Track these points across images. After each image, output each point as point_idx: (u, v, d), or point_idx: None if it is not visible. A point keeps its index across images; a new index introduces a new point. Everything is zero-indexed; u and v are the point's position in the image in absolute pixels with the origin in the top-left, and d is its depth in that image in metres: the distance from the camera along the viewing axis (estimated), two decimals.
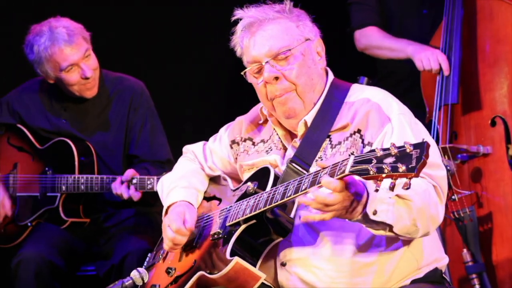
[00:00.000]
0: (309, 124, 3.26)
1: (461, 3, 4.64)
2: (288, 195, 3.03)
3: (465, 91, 4.61)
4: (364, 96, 3.24)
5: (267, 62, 3.22)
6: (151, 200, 4.72)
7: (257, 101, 3.48)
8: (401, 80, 5.02)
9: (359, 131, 3.17)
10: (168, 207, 3.50)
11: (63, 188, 4.75)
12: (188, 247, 3.40)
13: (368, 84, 4.37)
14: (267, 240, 3.17)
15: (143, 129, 4.89)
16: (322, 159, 3.21)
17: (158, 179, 4.52)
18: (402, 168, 2.64)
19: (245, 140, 3.50)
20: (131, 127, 4.89)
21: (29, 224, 4.82)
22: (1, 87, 5.28)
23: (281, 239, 3.18)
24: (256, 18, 3.25)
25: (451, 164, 4.48)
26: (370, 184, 2.90)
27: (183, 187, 3.55)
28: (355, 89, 3.34)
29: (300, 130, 3.28)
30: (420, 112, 4.69)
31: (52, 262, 4.57)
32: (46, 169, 4.85)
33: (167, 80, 5.93)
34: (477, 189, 4.53)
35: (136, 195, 4.61)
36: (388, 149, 2.70)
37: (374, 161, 2.70)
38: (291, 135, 3.37)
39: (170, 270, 3.38)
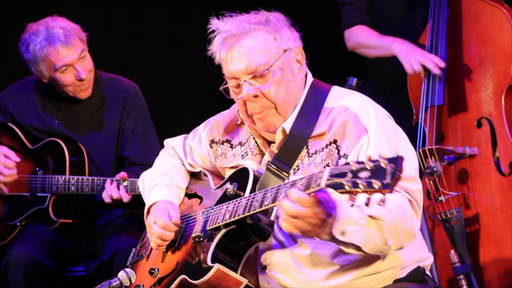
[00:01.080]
0: (287, 131, 3.26)
1: (446, 5, 4.65)
2: (266, 203, 3.04)
3: (451, 92, 4.62)
4: (342, 104, 3.23)
5: (245, 80, 3.19)
6: (141, 202, 4.76)
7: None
8: (390, 82, 5.04)
9: (335, 141, 3.17)
10: (150, 206, 3.52)
11: (54, 188, 4.79)
12: (171, 247, 3.43)
13: (358, 84, 4.37)
14: (247, 243, 3.21)
15: (135, 132, 4.92)
16: (299, 168, 3.21)
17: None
18: (377, 184, 2.62)
19: (223, 143, 3.51)
20: (123, 129, 4.91)
21: (18, 223, 4.85)
22: None
23: (261, 242, 3.22)
24: (232, 33, 3.21)
25: (437, 165, 4.49)
26: (343, 204, 2.92)
27: (165, 185, 3.56)
28: (334, 93, 3.32)
29: (278, 138, 3.28)
30: (408, 114, 4.74)
31: (41, 263, 4.60)
32: (37, 169, 4.88)
33: (160, 81, 5.96)
34: (464, 190, 4.54)
35: (126, 196, 4.64)
36: (363, 162, 2.69)
37: (350, 175, 2.69)
38: (269, 141, 3.37)
39: (153, 271, 3.42)
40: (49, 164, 4.87)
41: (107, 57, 5.15)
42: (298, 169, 3.21)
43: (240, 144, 3.45)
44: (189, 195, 3.61)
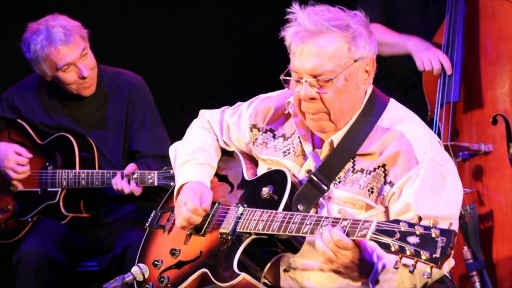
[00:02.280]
0: (335, 145, 3.21)
1: (464, 1, 4.67)
2: (304, 231, 3.02)
3: (466, 89, 4.64)
4: (398, 129, 3.16)
5: (306, 80, 3.13)
6: (152, 195, 4.77)
7: (263, 88, 3.52)
8: (403, 79, 5.07)
9: (384, 165, 3.13)
10: (183, 185, 3.47)
11: (64, 183, 4.80)
12: (195, 232, 3.40)
13: None
14: (274, 252, 3.21)
15: (143, 124, 4.92)
16: (341, 181, 3.19)
17: (159, 174, 4.61)
18: (425, 255, 2.61)
19: (266, 131, 3.44)
20: (130, 123, 4.92)
21: (29, 219, 4.87)
22: (1, 84, 5.33)
23: (288, 253, 3.23)
24: (309, 28, 3.11)
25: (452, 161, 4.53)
26: (378, 252, 2.91)
27: (199, 163, 3.51)
28: (391, 111, 3.25)
29: (325, 148, 3.24)
30: (422, 110, 4.71)
31: (52, 258, 4.62)
32: (47, 164, 4.89)
33: (166, 74, 5.96)
34: (478, 187, 4.56)
35: (137, 190, 4.66)
36: (413, 225, 2.67)
37: (397, 235, 2.68)
38: (315, 141, 3.32)
39: (175, 252, 3.40)
40: (59, 159, 4.89)
41: (111, 52, 5.16)
42: (340, 182, 3.19)
43: (283, 137, 3.40)
44: (220, 176, 3.56)
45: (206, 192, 3.41)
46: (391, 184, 3.10)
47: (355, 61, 3.13)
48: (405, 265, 2.85)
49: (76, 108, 4.94)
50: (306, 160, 3.30)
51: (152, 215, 3.67)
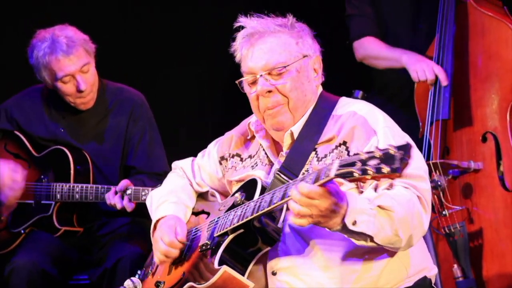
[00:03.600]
0: (295, 136, 3.38)
1: (453, 20, 4.71)
2: (275, 202, 3.12)
3: (456, 106, 4.67)
4: (351, 110, 3.36)
5: (261, 75, 3.34)
6: (145, 210, 4.82)
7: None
8: (396, 94, 5.11)
9: (344, 143, 3.28)
10: (157, 221, 3.59)
11: (58, 196, 4.84)
12: (177, 260, 3.49)
13: (363, 97, 4.44)
14: (255, 249, 3.27)
15: (142, 141, 4.97)
16: (309, 172, 3.28)
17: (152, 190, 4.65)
18: (386, 169, 2.73)
19: (233, 156, 3.61)
20: (129, 138, 4.97)
21: (22, 231, 4.91)
22: (2, 92, 5.38)
23: (269, 248, 3.28)
24: (257, 30, 3.37)
25: (442, 179, 4.54)
26: (352, 195, 3.02)
27: (172, 202, 3.65)
28: (342, 102, 3.45)
29: (286, 141, 3.40)
30: (415, 125, 4.79)
31: (44, 271, 4.64)
32: (42, 177, 4.94)
33: (163, 87, 6.03)
34: (468, 204, 4.59)
35: (129, 206, 4.70)
36: (372, 152, 2.80)
37: (359, 164, 2.79)
38: (278, 149, 3.48)
39: (159, 284, 3.47)
40: (54, 172, 4.93)
41: (109, 64, 5.16)
42: (307, 173, 3.27)
43: (250, 156, 3.56)
44: (196, 213, 3.69)
45: (180, 224, 3.53)
46: None
47: (304, 56, 3.37)
48: (380, 207, 3.00)
49: (75, 121, 4.99)
50: (273, 166, 3.43)
51: (138, 272, 3.75)
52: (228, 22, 3.50)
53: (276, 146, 3.50)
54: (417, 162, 3.18)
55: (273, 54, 3.33)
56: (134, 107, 5.00)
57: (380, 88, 5.21)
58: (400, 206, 3.07)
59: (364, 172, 2.77)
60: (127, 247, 4.72)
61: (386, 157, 2.75)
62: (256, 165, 3.50)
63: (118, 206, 4.70)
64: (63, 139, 4.97)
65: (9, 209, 4.92)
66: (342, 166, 2.84)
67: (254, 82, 3.38)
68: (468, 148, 4.62)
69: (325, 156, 3.31)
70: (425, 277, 3.36)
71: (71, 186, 4.83)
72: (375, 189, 3.11)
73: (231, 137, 3.66)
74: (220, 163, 3.66)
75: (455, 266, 4.54)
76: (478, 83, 4.64)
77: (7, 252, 4.89)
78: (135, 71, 5.96)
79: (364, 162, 2.79)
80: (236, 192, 3.47)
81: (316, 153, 3.34)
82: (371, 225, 3.02)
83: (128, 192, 4.70)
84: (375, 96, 5.09)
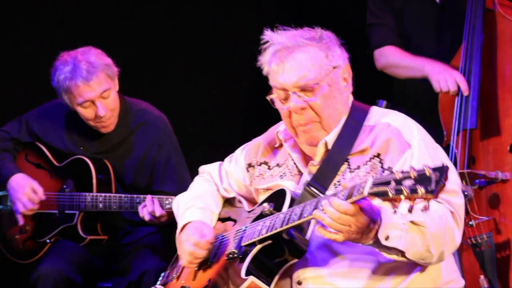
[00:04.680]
0: (329, 146, 3.38)
1: (481, 28, 4.71)
2: (305, 215, 3.14)
3: (483, 116, 4.67)
4: (384, 121, 3.38)
5: (294, 92, 3.33)
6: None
7: (274, 120, 3.62)
8: (419, 102, 5.12)
9: (378, 155, 3.30)
10: (184, 225, 3.62)
11: (82, 206, 4.87)
12: (203, 266, 3.51)
13: (387, 107, 4.46)
14: (282, 260, 3.28)
15: (168, 166, 4.96)
16: (340, 183, 3.30)
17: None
18: (421, 190, 2.73)
19: (260, 164, 3.62)
20: (154, 163, 4.96)
21: (47, 241, 4.95)
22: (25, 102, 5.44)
23: (296, 260, 3.29)
24: (286, 45, 3.34)
25: (468, 189, 4.52)
26: (385, 210, 3.04)
27: (199, 207, 3.67)
28: (374, 112, 3.48)
29: (320, 151, 3.40)
30: (439, 133, 4.76)
31: (70, 278, 4.69)
32: (64, 186, 4.97)
33: (183, 100, 6.05)
34: (495, 215, 4.57)
35: (163, 214, 4.71)
36: (407, 171, 2.79)
37: (393, 183, 2.80)
38: (307, 159, 3.48)
39: None
40: (76, 182, 4.96)
41: (128, 79, 5.19)
42: (339, 184, 3.31)
43: (278, 165, 3.56)
44: (223, 220, 3.71)
45: (206, 227, 3.57)
46: (390, 169, 3.25)
47: (334, 68, 3.36)
48: (413, 223, 3.02)
49: (95, 141, 5.01)
50: (302, 176, 3.45)
51: (161, 276, 3.79)
52: (248, 37, 3.51)
53: (305, 156, 3.50)
54: (452, 176, 3.15)
55: (304, 70, 3.32)
56: (156, 131, 4.99)
57: (403, 97, 5.21)
58: (432, 222, 3.09)
59: (399, 192, 2.78)
60: (151, 259, 4.75)
61: (422, 178, 2.76)
62: (285, 175, 3.52)
63: (157, 213, 4.70)
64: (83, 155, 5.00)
65: (24, 219, 4.96)
66: (376, 184, 2.86)
67: (286, 98, 3.38)
68: (495, 158, 4.61)
69: (358, 167, 3.33)
70: None
71: (94, 195, 4.86)
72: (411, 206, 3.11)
73: (259, 144, 3.67)
74: (248, 170, 3.67)
75: (482, 277, 4.52)
76: (506, 92, 4.63)
77: (33, 261, 4.93)
78: (157, 88, 5.99)
79: (398, 182, 2.80)
80: (264, 201, 3.48)
81: (348, 164, 3.35)
82: (403, 240, 3.06)
83: (167, 202, 4.72)
84: (397, 105, 5.07)
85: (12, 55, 5.82)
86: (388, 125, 3.35)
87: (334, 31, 3.46)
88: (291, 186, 3.45)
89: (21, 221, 4.96)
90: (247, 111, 6.18)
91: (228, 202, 3.80)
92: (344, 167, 3.35)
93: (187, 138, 5.44)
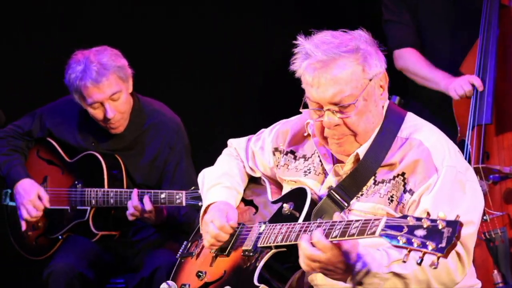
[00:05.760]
0: (361, 157, 3.30)
1: (497, 23, 4.74)
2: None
3: (498, 111, 4.70)
4: (417, 137, 3.27)
5: (328, 109, 3.22)
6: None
7: (288, 115, 3.63)
8: (432, 98, 5.13)
9: (403, 174, 3.22)
10: (209, 205, 3.60)
11: (93, 201, 4.88)
12: (221, 254, 3.53)
13: (400, 103, 4.48)
14: (295, 266, 3.27)
15: (179, 167, 4.97)
16: (363, 194, 3.28)
17: (187, 194, 4.68)
18: (431, 246, 2.70)
19: (287, 153, 3.56)
20: (165, 165, 4.97)
21: (59, 237, 4.97)
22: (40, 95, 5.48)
23: None
24: (321, 59, 3.20)
25: (483, 184, 4.56)
26: (367, 256, 3.03)
27: (225, 186, 3.64)
28: (409, 121, 3.36)
29: (350, 161, 3.33)
30: (452, 129, 4.81)
31: (82, 274, 4.72)
32: (76, 182, 4.99)
33: (196, 99, 6.08)
34: (509, 210, 4.60)
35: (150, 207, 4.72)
36: (421, 219, 2.76)
37: (405, 229, 2.77)
38: (334, 158, 3.41)
39: (201, 274, 3.52)
40: (87, 177, 4.97)
41: (142, 78, 5.21)
42: (362, 195, 3.29)
43: (304, 157, 3.51)
44: (246, 201, 3.70)
45: (231, 210, 3.56)
46: (411, 192, 3.20)
47: (370, 80, 3.24)
48: (396, 275, 3.02)
49: (107, 139, 5.01)
50: (327, 177, 3.41)
51: (183, 245, 3.80)
52: (254, 35, 3.46)
53: (333, 155, 3.43)
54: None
55: (339, 86, 3.19)
56: (169, 133, 4.98)
57: (416, 93, 5.23)
58: (421, 271, 3.07)
59: (409, 242, 2.75)
60: (163, 255, 4.77)
61: (434, 231, 2.72)
62: (309, 172, 3.47)
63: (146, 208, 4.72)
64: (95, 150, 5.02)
65: (27, 224, 5.00)
66: (388, 227, 2.82)
67: (319, 110, 3.27)
68: (510, 154, 4.64)
69: (382, 181, 3.26)
70: None
71: (106, 191, 4.87)
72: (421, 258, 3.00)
73: (287, 130, 3.59)
74: (274, 154, 3.62)
75: (495, 272, 4.57)
76: None
77: (46, 258, 4.97)
78: (170, 87, 6.02)
79: (411, 230, 2.76)
80: (285, 197, 3.47)
81: (375, 176, 3.30)
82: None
83: (163, 196, 4.73)
84: (411, 101, 5.12)
85: (25, 52, 5.86)
86: (419, 144, 3.24)
87: (350, 24, 3.38)
88: (314, 186, 3.42)
89: (24, 226, 4.99)
90: (256, 110, 6.20)
91: (253, 179, 3.77)
92: (371, 179, 3.30)
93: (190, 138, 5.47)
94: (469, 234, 3.17)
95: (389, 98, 4.41)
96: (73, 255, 4.79)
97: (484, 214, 4.59)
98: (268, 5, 6.12)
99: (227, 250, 3.52)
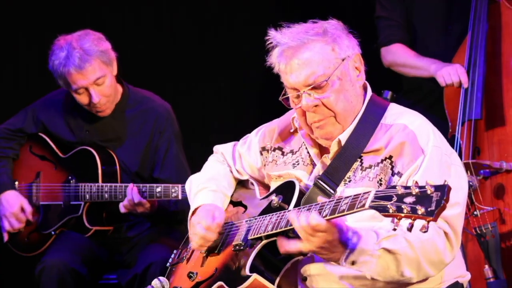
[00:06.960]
0: (342, 143, 3.36)
1: (486, 18, 4.76)
2: None
3: (488, 106, 4.71)
4: (401, 122, 3.33)
5: (304, 91, 3.30)
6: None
7: (285, 110, 3.64)
8: (426, 94, 5.15)
9: (390, 157, 3.28)
10: (196, 208, 3.65)
11: (87, 196, 4.90)
12: (211, 253, 3.57)
13: (392, 98, 4.51)
14: (287, 256, 3.32)
15: (168, 153, 4.99)
16: (351, 180, 3.34)
17: (182, 187, 4.65)
18: (421, 210, 2.74)
19: (274, 150, 3.62)
20: (155, 150, 4.99)
21: (52, 232, 4.99)
22: (29, 93, 5.51)
23: (301, 257, 3.33)
24: (291, 45, 3.31)
25: (473, 179, 4.59)
26: (358, 233, 3.08)
27: (211, 190, 3.69)
28: (392, 110, 3.43)
29: (333, 149, 3.38)
30: (445, 125, 4.83)
31: (75, 270, 4.73)
32: (69, 177, 5.00)
33: (195, 93, 6.11)
34: (499, 205, 4.62)
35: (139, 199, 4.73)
36: (409, 187, 2.80)
37: (395, 198, 2.81)
38: (321, 150, 3.48)
39: (192, 275, 3.55)
40: (81, 173, 4.98)
41: (139, 71, 5.20)
42: (350, 181, 3.34)
43: (292, 152, 3.57)
44: (234, 203, 3.75)
45: (218, 211, 3.61)
46: (399, 174, 3.25)
47: (343, 60, 3.33)
48: (385, 250, 3.06)
49: (99, 125, 5.03)
50: (315, 167, 3.47)
51: (172, 254, 3.84)
52: (254, 35, 3.50)
53: (320, 146, 3.50)
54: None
55: (311, 68, 3.29)
56: (158, 118, 5.00)
57: (409, 89, 5.26)
58: (410, 248, 3.11)
59: (399, 209, 2.80)
60: (157, 251, 4.79)
61: (423, 196, 2.77)
62: (298, 164, 3.52)
63: (135, 200, 4.74)
64: (89, 141, 5.03)
65: (8, 236, 5.02)
66: (378, 198, 2.87)
67: (297, 97, 3.35)
68: (500, 149, 4.66)
69: (370, 167, 3.32)
70: (457, 282, 3.41)
71: (100, 186, 4.89)
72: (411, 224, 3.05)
73: (274, 128, 3.66)
74: (261, 154, 3.67)
75: (486, 267, 4.58)
76: (510, 83, 4.68)
77: (38, 254, 4.98)
78: (164, 81, 6.04)
79: (400, 198, 2.81)
80: (274, 192, 3.51)
81: (361, 162, 3.35)
82: (372, 265, 3.10)
83: (158, 189, 4.75)
84: (404, 96, 5.15)
85: (17, 52, 5.90)
86: (404, 127, 3.31)
87: (343, 21, 3.43)
88: (302, 176, 3.48)
89: (6, 238, 5.02)
90: (254, 104, 6.23)
91: (241, 183, 3.83)
92: (356, 164, 3.35)
93: (190, 131, 5.48)
94: (456, 214, 3.21)
95: (381, 93, 4.49)
96: (66, 251, 4.80)
97: (475, 209, 4.63)
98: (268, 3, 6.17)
99: (218, 249, 3.55)
